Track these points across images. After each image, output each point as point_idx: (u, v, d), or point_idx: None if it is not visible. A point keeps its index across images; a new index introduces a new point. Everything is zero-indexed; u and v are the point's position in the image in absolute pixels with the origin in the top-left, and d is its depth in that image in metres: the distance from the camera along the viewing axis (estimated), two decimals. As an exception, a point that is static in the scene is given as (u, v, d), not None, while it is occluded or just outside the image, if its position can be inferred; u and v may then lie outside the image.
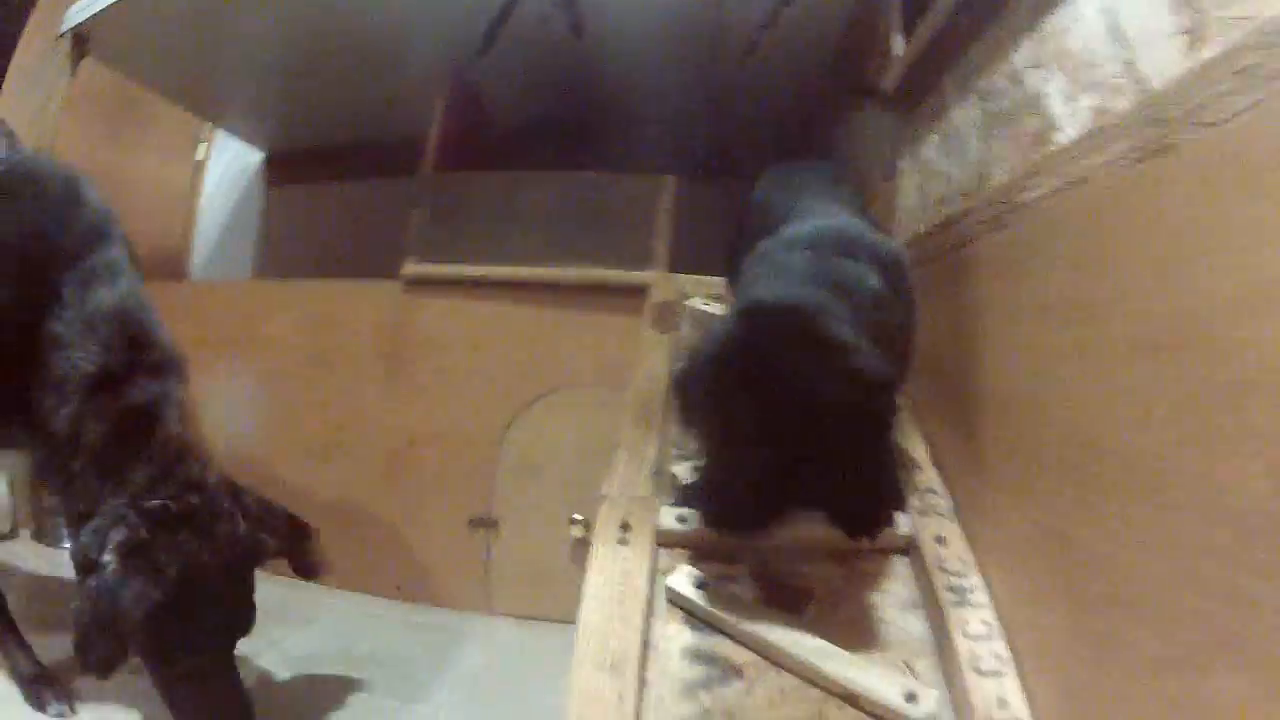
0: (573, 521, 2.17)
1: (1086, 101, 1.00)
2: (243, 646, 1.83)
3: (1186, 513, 0.71)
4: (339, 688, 1.79)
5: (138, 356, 1.34)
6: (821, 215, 1.32)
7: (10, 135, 1.75)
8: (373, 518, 2.37)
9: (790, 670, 1.00)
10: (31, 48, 2.42)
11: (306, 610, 2.16)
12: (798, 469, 1.01)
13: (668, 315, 1.79)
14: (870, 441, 1.16)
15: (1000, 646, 0.99)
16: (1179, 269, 0.75)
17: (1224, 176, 0.70)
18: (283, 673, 1.83)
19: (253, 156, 3.45)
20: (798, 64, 2.56)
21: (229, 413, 2.36)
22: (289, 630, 2.04)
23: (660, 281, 2.00)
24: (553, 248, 2.25)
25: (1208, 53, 0.76)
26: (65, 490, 1.34)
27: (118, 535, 1.22)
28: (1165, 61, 0.84)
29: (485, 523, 2.29)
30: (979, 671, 0.95)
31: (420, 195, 2.41)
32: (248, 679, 1.70)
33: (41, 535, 2.41)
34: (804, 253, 1.17)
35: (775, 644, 1.01)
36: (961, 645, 0.99)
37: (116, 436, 1.29)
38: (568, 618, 2.11)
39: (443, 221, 2.36)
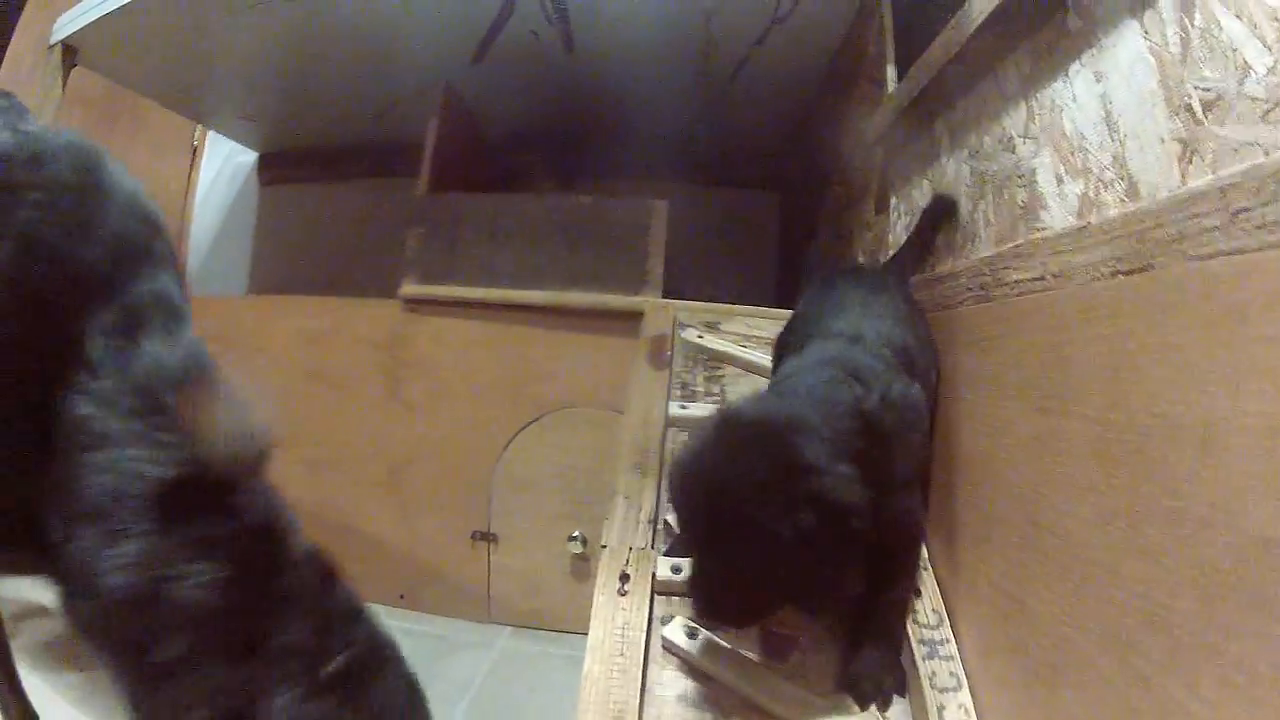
0: (571, 538, 2.23)
1: (1075, 187, 1.02)
2: None
3: (1110, 606, 0.79)
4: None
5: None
6: (854, 337, 1.25)
7: (15, 110, 1.06)
8: (374, 529, 2.41)
9: (774, 717, 1.06)
10: (21, 55, 2.40)
11: (311, 622, 2.21)
12: (768, 577, 1.00)
13: (661, 350, 1.81)
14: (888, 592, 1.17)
15: (966, 698, 1.06)
16: (1137, 387, 0.79)
17: (1194, 311, 0.72)
18: None
19: (246, 156, 3.45)
20: (789, 82, 2.59)
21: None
22: (296, 643, 2.09)
23: (653, 308, 2.02)
24: (547, 271, 2.27)
25: (1199, 168, 0.78)
26: (146, 701, 0.81)
27: None
28: (1155, 166, 0.85)
29: (485, 536, 2.33)
30: (944, 723, 1.02)
31: (417, 215, 2.41)
32: None
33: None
34: (812, 373, 1.15)
35: (759, 693, 1.07)
36: (930, 696, 1.05)
37: (243, 584, 0.83)
38: (564, 627, 2.21)
39: (439, 242, 2.37)
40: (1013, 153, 1.21)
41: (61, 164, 0.91)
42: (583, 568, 2.24)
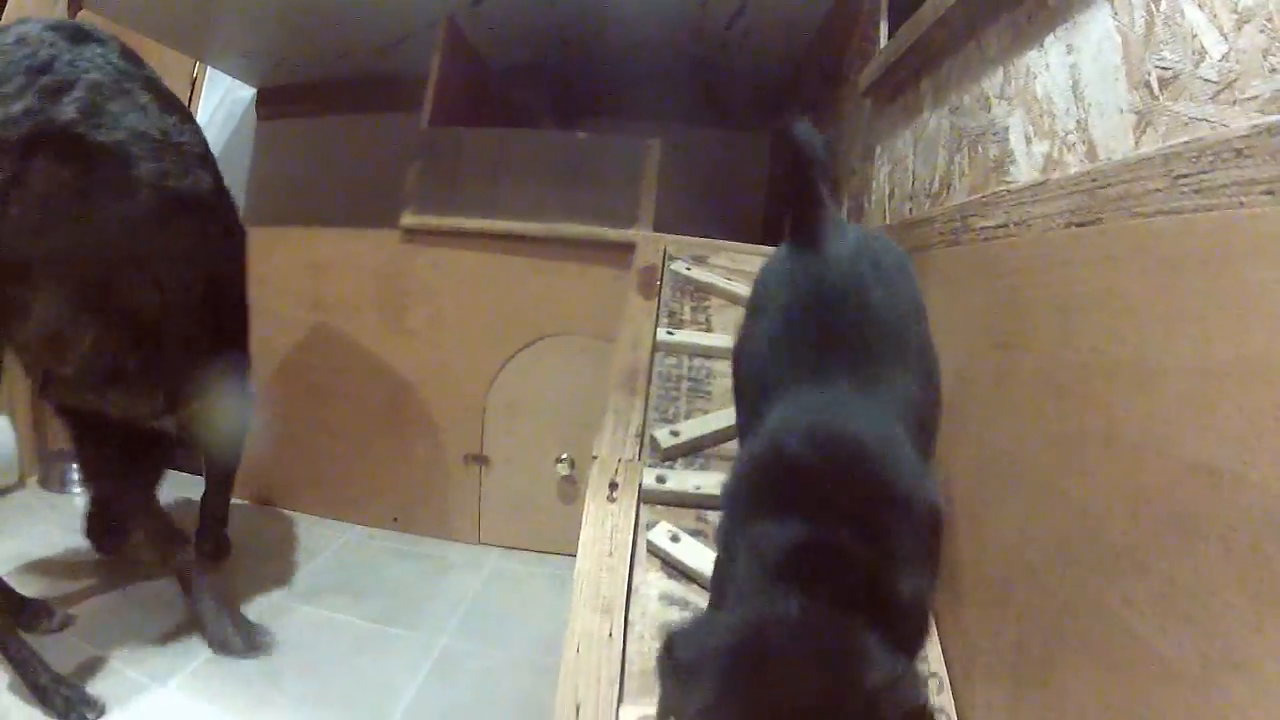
0: (558, 460, 2.34)
1: (1040, 147, 1.11)
2: (250, 581, 2.04)
3: (1053, 522, 0.91)
4: (344, 619, 1.94)
5: None
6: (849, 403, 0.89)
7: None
8: (370, 455, 2.51)
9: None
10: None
11: (309, 544, 2.33)
12: None
13: (651, 281, 1.89)
14: None
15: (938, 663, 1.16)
16: (1083, 327, 0.90)
17: (1133, 262, 0.82)
18: (290, 605, 1.97)
19: (244, 91, 3.46)
20: (784, 32, 2.64)
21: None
22: (293, 564, 2.20)
23: (644, 241, 2.10)
24: (544, 204, 2.34)
25: (1151, 137, 0.86)
26: None
27: None
28: (1113, 133, 0.94)
29: (477, 459, 2.44)
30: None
31: (417, 149, 2.46)
32: (255, 614, 1.90)
33: (48, 482, 2.43)
34: (803, 524, 0.79)
35: (733, 594, 1.18)
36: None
37: None
38: (550, 548, 2.32)
39: (439, 175, 2.43)
40: (989, 111, 1.30)
41: None
42: (570, 490, 2.35)
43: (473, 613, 2.06)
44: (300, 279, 2.56)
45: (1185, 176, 0.77)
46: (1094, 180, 0.92)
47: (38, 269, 1.35)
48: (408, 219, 2.42)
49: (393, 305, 2.48)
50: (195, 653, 1.72)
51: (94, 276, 1.43)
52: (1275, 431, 0.62)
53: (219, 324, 1.78)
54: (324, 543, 2.36)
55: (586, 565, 1.20)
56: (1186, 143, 0.77)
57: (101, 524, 1.99)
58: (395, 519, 2.51)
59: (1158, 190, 0.81)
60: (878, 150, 1.90)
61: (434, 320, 2.45)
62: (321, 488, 2.55)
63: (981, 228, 1.19)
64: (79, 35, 1.42)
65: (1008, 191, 1.13)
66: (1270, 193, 0.66)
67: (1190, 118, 0.81)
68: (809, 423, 0.87)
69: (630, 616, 1.16)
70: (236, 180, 3.32)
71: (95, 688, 1.52)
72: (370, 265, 2.50)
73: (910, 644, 0.80)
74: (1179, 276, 0.75)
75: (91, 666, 1.60)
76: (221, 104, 3.45)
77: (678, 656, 0.78)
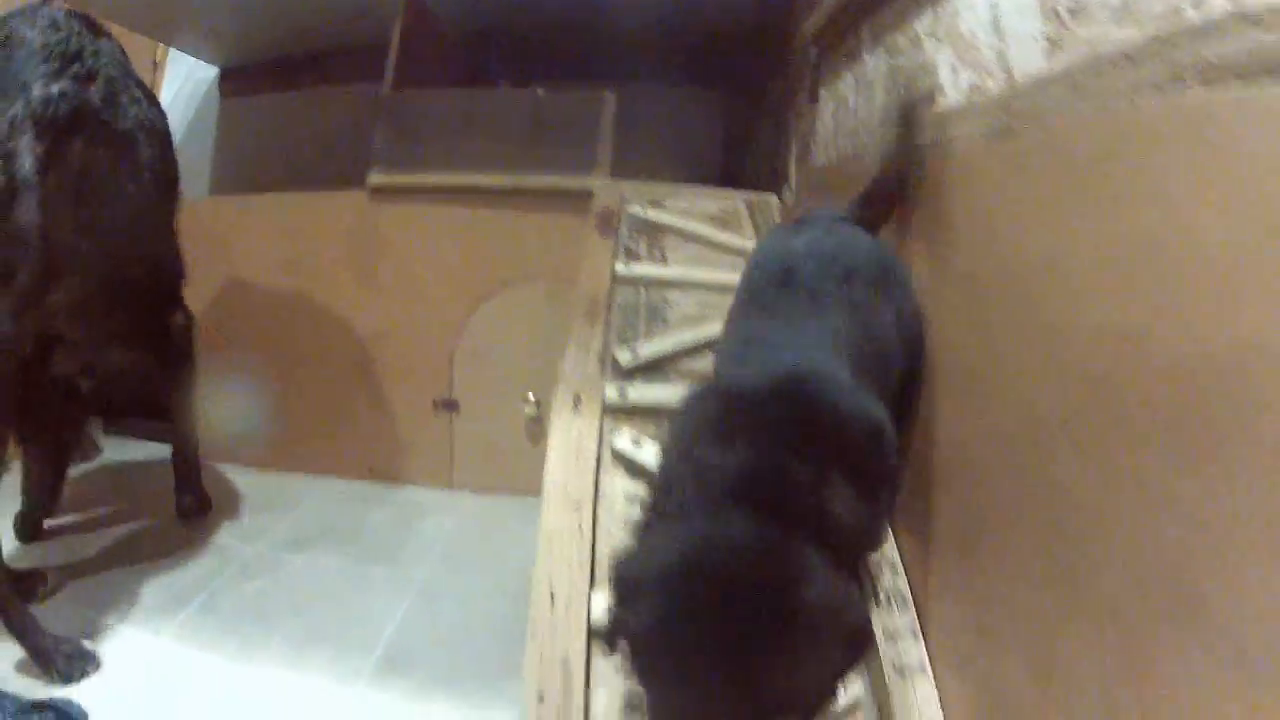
0: (526, 400, 2.42)
1: (966, 77, 1.21)
2: (234, 535, 2.13)
3: (988, 412, 1.01)
4: (326, 563, 2.03)
5: None
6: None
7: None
8: (345, 409, 2.58)
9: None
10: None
11: (289, 498, 2.40)
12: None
13: (609, 221, 1.97)
14: None
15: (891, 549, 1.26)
16: (1002, 230, 1.00)
17: (1046, 166, 0.92)
18: (274, 555, 2.05)
19: (207, 71, 3.46)
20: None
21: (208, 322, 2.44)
22: (275, 517, 2.28)
23: (603, 188, 2.18)
24: (506, 157, 2.40)
25: (1060, 59, 0.95)
26: None
27: None
28: (1029, 58, 1.03)
29: (447, 404, 2.51)
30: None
31: (382, 111, 2.52)
32: (241, 564, 1.98)
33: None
34: (754, 449, 0.85)
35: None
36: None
37: None
38: (521, 490, 2.41)
39: (404, 135, 2.49)
40: (920, 49, 1.40)
41: None
42: (537, 431, 2.43)
43: (450, 549, 2.15)
44: (272, 244, 2.61)
45: (1085, 84, 0.87)
46: (1008, 98, 1.03)
47: (69, 239, 1.47)
48: (375, 178, 2.48)
49: (363, 263, 2.53)
50: (183, 604, 1.80)
51: (111, 248, 1.60)
52: (1174, 294, 0.71)
53: (173, 289, 2.03)
54: (304, 497, 2.43)
55: (555, 469, 1.29)
56: (1087, 57, 0.87)
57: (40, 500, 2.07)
58: (371, 470, 2.58)
59: (1061, 100, 0.91)
60: (823, 93, 2.00)
61: (403, 274, 2.51)
62: (299, 444, 2.62)
63: (914, 151, 1.30)
64: (95, 27, 1.61)
65: (934, 115, 1.24)
66: (1159, 89, 0.75)
67: (1094, 39, 0.89)
68: (745, 358, 1.02)
69: (598, 514, 1.25)
70: (201, 157, 3.36)
71: (91, 644, 1.60)
72: (340, 226, 2.55)
73: (852, 559, 0.86)
74: (1082, 174, 0.85)
75: (87, 627, 1.67)
76: (185, 84, 3.45)
77: (624, 574, 0.83)
